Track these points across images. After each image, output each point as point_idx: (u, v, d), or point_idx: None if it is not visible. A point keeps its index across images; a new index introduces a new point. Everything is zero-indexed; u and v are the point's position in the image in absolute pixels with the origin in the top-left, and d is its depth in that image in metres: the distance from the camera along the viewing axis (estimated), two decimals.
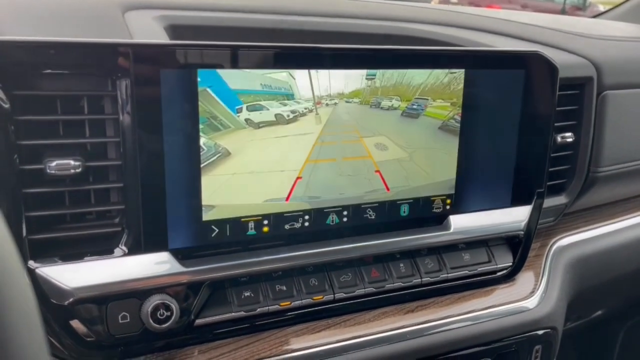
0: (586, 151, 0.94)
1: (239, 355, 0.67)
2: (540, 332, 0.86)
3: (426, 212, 0.77)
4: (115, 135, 0.59)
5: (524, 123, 0.80)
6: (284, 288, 0.70)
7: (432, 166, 0.75)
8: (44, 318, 0.57)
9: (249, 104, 0.63)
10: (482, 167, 0.79)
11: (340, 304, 0.73)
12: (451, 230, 0.78)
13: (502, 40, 1.00)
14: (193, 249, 0.64)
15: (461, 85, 0.74)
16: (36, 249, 0.58)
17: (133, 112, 0.57)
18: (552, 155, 0.87)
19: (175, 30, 0.77)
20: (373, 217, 0.73)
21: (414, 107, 0.72)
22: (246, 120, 0.63)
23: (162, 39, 0.72)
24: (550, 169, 0.88)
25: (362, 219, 0.73)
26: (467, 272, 0.81)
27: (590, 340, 1.50)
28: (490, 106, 0.77)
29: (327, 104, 0.67)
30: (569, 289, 0.94)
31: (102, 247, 0.60)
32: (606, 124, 0.95)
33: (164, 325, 0.62)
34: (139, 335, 0.62)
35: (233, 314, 0.67)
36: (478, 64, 0.75)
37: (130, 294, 0.61)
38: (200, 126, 0.61)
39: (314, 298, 0.71)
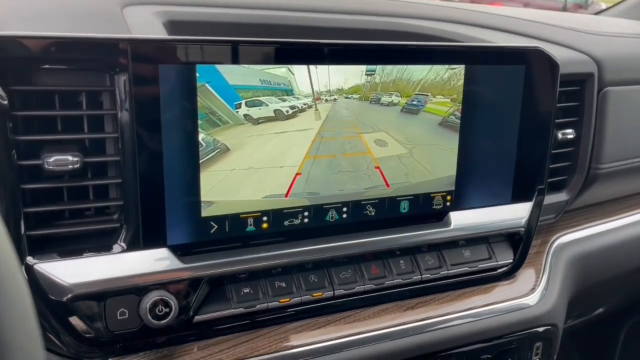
0: (587, 148, 0.93)
1: (238, 352, 0.67)
2: (541, 329, 0.85)
3: (426, 209, 0.76)
4: (114, 130, 0.59)
5: (524, 119, 0.79)
6: (284, 284, 0.69)
7: (432, 162, 0.75)
8: (42, 314, 0.57)
9: (247, 99, 0.63)
10: (482, 164, 0.79)
11: (340, 300, 0.73)
12: (451, 227, 0.78)
13: (503, 36, 0.99)
14: (192, 245, 0.64)
15: (461, 81, 0.73)
16: (34, 245, 0.57)
17: (131, 107, 0.57)
18: (552, 151, 0.86)
19: (173, 25, 0.76)
20: (373, 213, 0.73)
21: (414, 103, 0.72)
22: (245, 116, 0.63)
23: (161, 34, 0.72)
24: (551, 166, 0.87)
25: (361, 216, 0.72)
26: (467, 268, 0.81)
27: (591, 338, 1.49)
28: (491, 102, 0.77)
29: (326, 100, 0.67)
30: (569, 286, 0.94)
31: (100, 243, 0.60)
32: (607, 121, 0.94)
33: (162, 322, 0.61)
34: (138, 332, 0.62)
35: (232, 310, 0.67)
36: (478, 60, 0.74)
37: (129, 290, 0.61)
38: (199, 122, 0.60)
39: (314, 295, 0.71)
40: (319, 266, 0.72)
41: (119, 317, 0.61)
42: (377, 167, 0.72)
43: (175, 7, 0.79)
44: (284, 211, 0.68)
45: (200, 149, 0.61)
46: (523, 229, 0.84)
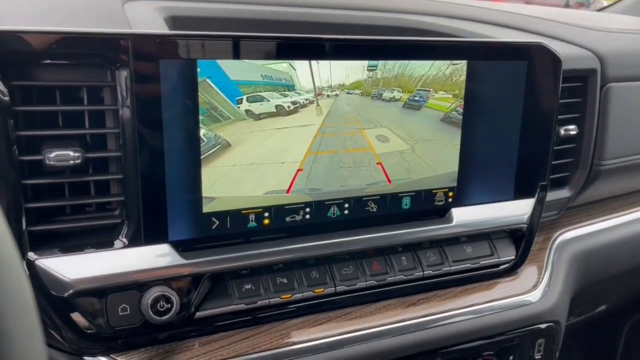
0: (589, 144, 0.93)
1: (240, 348, 0.67)
2: (543, 325, 0.85)
3: (428, 205, 0.76)
4: (115, 126, 0.59)
5: (526, 115, 0.79)
6: (285, 281, 0.69)
7: (434, 158, 0.74)
8: (43, 310, 0.57)
9: (249, 95, 0.63)
10: (484, 160, 0.78)
11: (342, 296, 0.73)
12: (453, 223, 0.78)
13: (505, 32, 0.99)
14: (193, 241, 0.64)
15: (463, 77, 0.73)
16: (36, 240, 0.57)
17: (132, 103, 0.57)
18: (555, 148, 0.86)
19: (175, 21, 0.76)
20: (374, 209, 0.73)
21: (416, 98, 0.71)
22: (246, 111, 0.63)
23: (162, 29, 0.72)
24: (554, 162, 0.87)
25: (363, 212, 0.72)
26: (469, 265, 0.80)
27: (594, 336, 1.49)
28: (493, 98, 0.76)
29: (328, 95, 0.66)
30: (572, 283, 0.94)
31: (102, 239, 0.60)
32: (610, 117, 0.94)
33: (164, 317, 0.61)
34: (139, 327, 0.62)
35: (234, 306, 0.66)
36: (480, 56, 0.74)
37: (130, 286, 0.61)
38: (200, 117, 0.60)
39: (315, 291, 0.71)
40: (320, 262, 0.72)
41: (120, 313, 0.61)
42: (379, 163, 0.71)
43: (176, 3, 0.79)
44: (286, 207, 0.67)
45: (201, 145, 0.61)
46: (525, 226, 0.83)
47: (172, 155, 0.60)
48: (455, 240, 0.80)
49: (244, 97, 0.62)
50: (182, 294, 0.63)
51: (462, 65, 0.72)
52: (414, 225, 0.75)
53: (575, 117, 0.92)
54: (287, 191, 0.67)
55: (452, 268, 0.79)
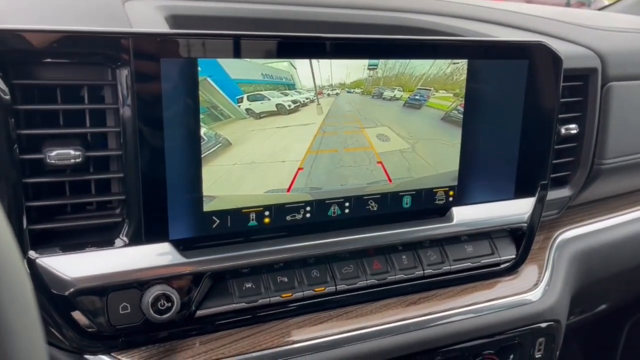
0: (590, 143, 0.93)
1: (240, 347, 0.67)
2: (544, 324, 0.85)
3: (429, 204, 0.76)
4: (116, 125, 0.59)
5: (527, 114, 0.79)
6: (286, 279, 0.69)
7: (435, 157, 0.74)
8: (44, 309, 0.57)
9: (249, 93, 0.63)
10: (485, 159, 0.78)
11: (342, 295, 0.73)
12: (454, 222, 0.78)
13: (506, 31, 0.99)
14: (194, 239, 0.64)
15: (464, 76, 0.73)
16: (37, 239, 0.58)
17: (133, 101, 0.57)
18: (555, 147, 0.86)
19: (175, 20, 0.76)
20: (375, 208, 0.73)
21: (417, 97, 0.71)
22: (247, 110, 0.63)
23: (163, 28, 0.72)
24: (554, 161, 0.87)
25: (364, 211, 0.72)
26: (469, 264, 0.80)
27: (594, 335, 1.49)
28: (494, 97, 0.76)
29: (328, 94, 0.66)
30: (572, 282, 0.94)
31: (102, 238, 0.60)
32: (611, 116, 0.94)
33: (164, 316, 0.61)
34: (140, 326, 0.62)
35: (234, 305, 0.67)
36: (481, 54, 0.74)
37: (131, 285, 0.61)
38: (201, 116, 0.60)
39: (316, 289, 0.71)
40: (321, 261, 0.72)
41: (121, 312, 0.61)
42: (380, 162, 0.71)
43: (177, 2, 0.79)
44: (286, 206, 0.67)
45: (202, 143, 0.61)
46: (526, 225, 0.83)
47: (173, 154, 0.60)
48: (455, 239, 0.80)
49: (245, 96, 0.62)
50: (182, 292, 0.63)
51: (462, 64, 0.72)
52: (415, 224, 0.75)
53: (576, 116, 0.92)
54: (288, 190, 0.67)
55: (452, 267, 0.79)
